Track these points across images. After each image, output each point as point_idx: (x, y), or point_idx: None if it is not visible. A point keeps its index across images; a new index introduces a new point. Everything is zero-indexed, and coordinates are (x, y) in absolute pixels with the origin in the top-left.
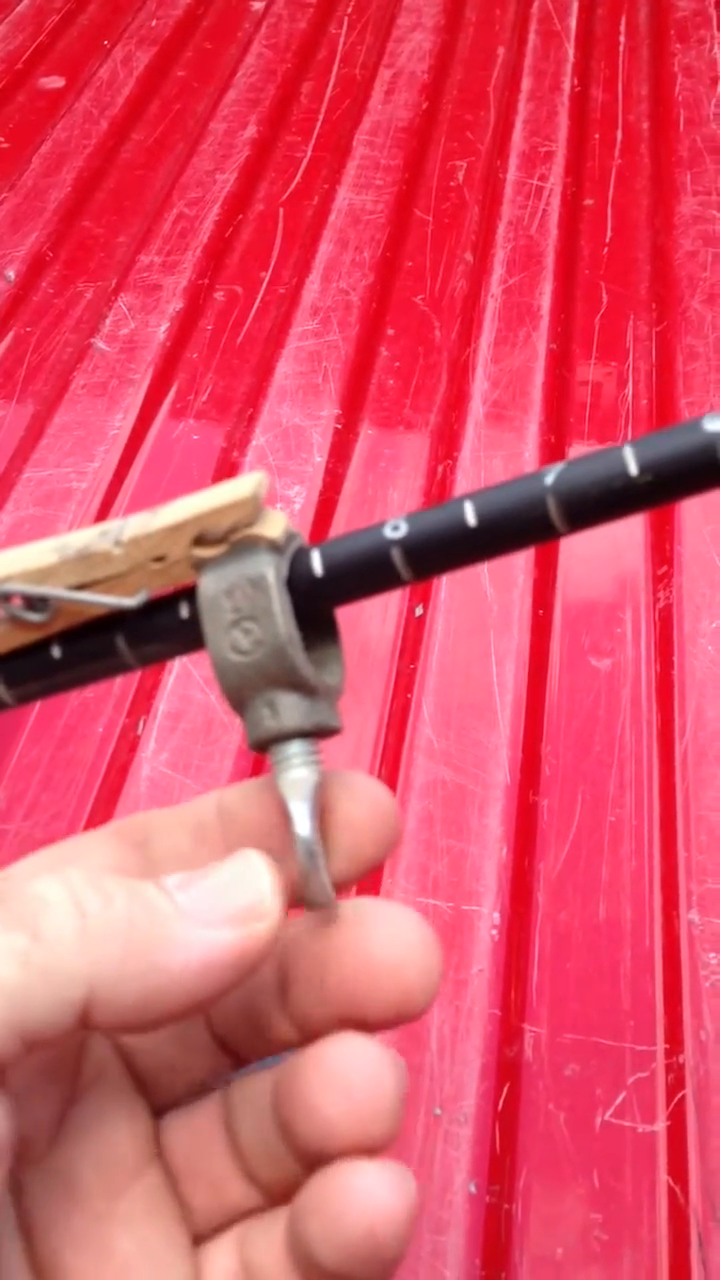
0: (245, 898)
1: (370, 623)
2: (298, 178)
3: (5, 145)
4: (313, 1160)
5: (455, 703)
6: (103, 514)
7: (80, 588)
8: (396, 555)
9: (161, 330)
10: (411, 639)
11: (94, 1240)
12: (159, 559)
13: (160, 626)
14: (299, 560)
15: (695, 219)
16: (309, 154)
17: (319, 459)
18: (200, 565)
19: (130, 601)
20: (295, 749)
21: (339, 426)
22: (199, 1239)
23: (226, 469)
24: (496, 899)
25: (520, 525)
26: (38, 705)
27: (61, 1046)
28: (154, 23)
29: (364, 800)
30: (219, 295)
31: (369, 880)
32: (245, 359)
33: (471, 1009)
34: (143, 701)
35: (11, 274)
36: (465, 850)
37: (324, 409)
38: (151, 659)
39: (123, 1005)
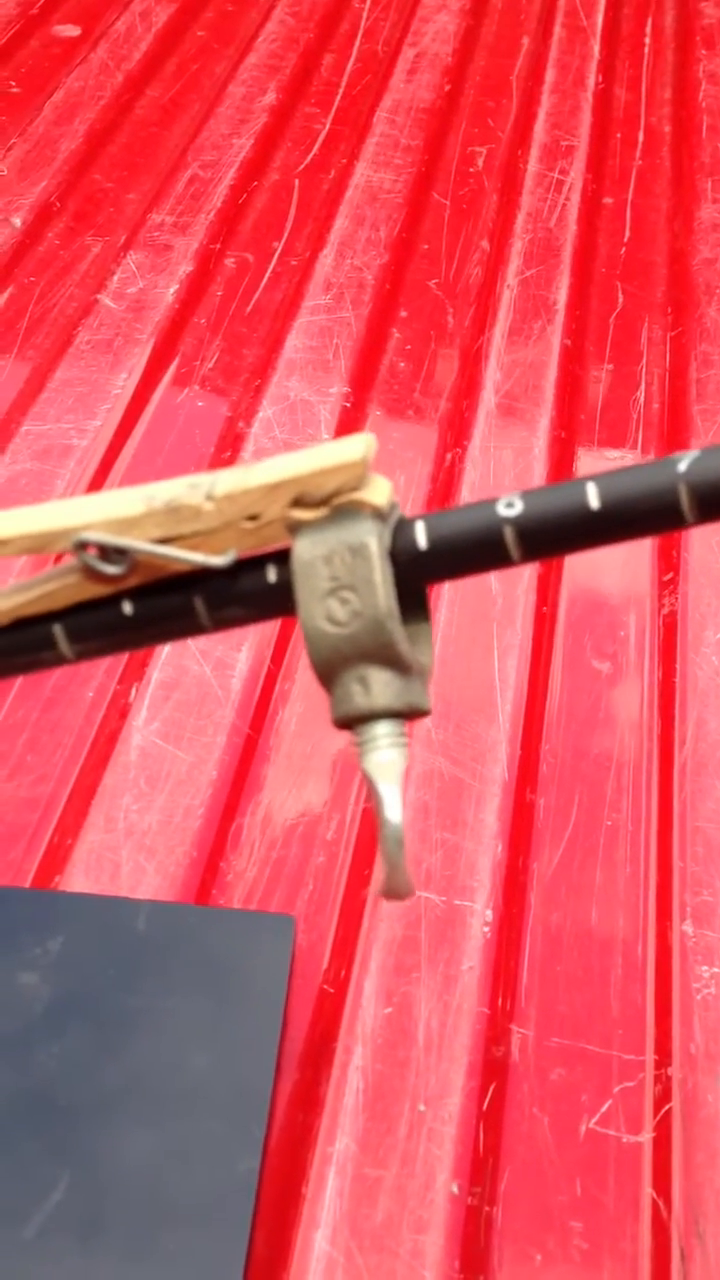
0: None
1: None
2: (315, 149)
3: (16, 90)
4: None
5: (455, 694)
6: (102, 472)
7: (164, 542)
8: (509, 534)
9: (170, 292)
10: None
11: None
12: (252, 518)
13: (244, 590)
14: (401, 531)
15: (715, 226)
16: (328, 126)
17: (326, 436)
18: (296, 528)
19: (218, 560)
20: (384, 729)
21: (347, 405)
22: None
23: (231, 439)
24: (490, 896)
25: (646, 513)
26: None
27: None
28: None
29: None
30: (230, 262)
31: (360, 864)
32: (254, 328)
33: (460, 1006)
34: (135, 669)
35: (18, 221)
36: (460, 844)
37: (333, 386)
38: (228, 623)
39: None
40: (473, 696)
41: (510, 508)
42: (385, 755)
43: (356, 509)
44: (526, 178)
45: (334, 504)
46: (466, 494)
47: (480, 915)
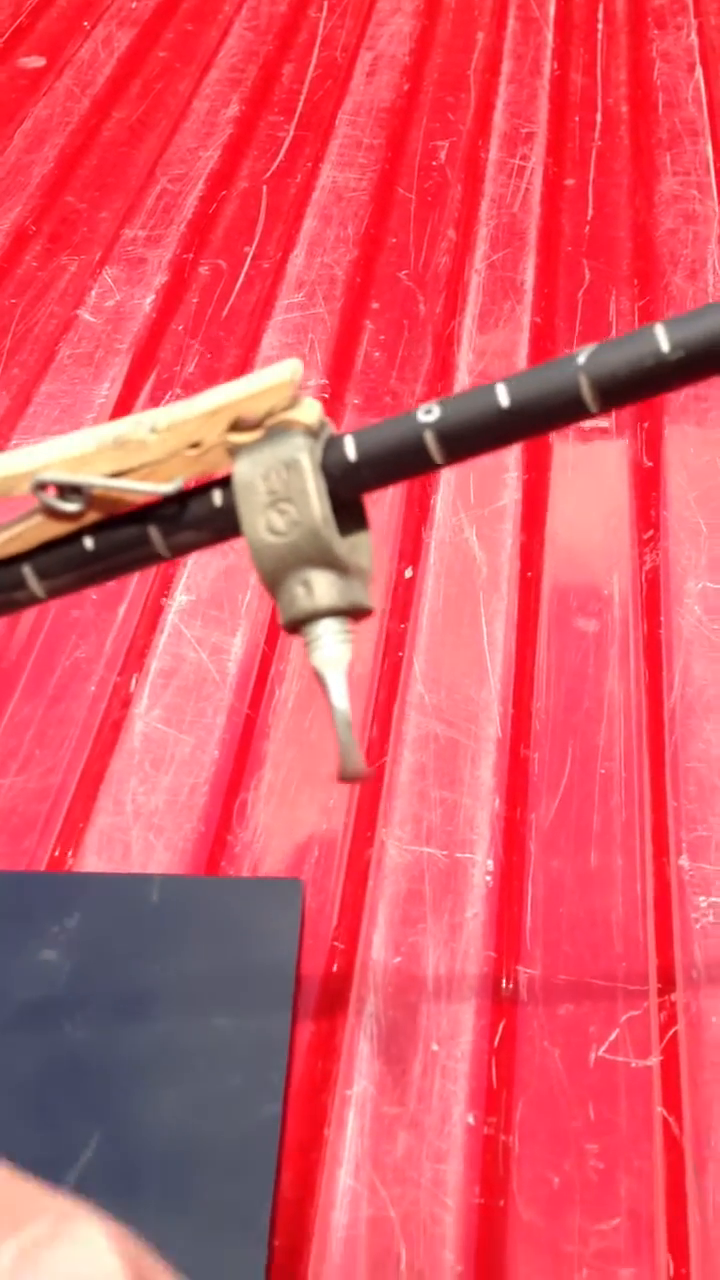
0: None
1: None
2: (281, 156)
3: None
4: None
5: (446, 660)
6: None
7: (116, 476)
8: (430, 438)
9: (147, 302)
10: (401, 600)
11: None
12: (194, 445)
13: (194, 515)
14: (333, 446)
15: (675, 198)
16: (291, 133)
17: None
18: (235, 451)
19: (166, 487)
20: (330, 626)
21: (326, 396)
22: None
23: None
24: (490, 847)
25: (553, 405)
26: (30, 665)
27: None
28: (134, 4)
29: None
30: (204, 269)
31: (363, 827)
32: (231, 331)
33: (467, 951)
34: (135, 660)
35: None
36: (458, 801)
37: (310, 379)
38: (184, 548)
39: None
40: (463, 662)
41: (429, 414)
42: (331, 650)
43: (289, 428)
44: (488, 166)
45: (268, 425)
46: (445, 472)
47: (482, 866)
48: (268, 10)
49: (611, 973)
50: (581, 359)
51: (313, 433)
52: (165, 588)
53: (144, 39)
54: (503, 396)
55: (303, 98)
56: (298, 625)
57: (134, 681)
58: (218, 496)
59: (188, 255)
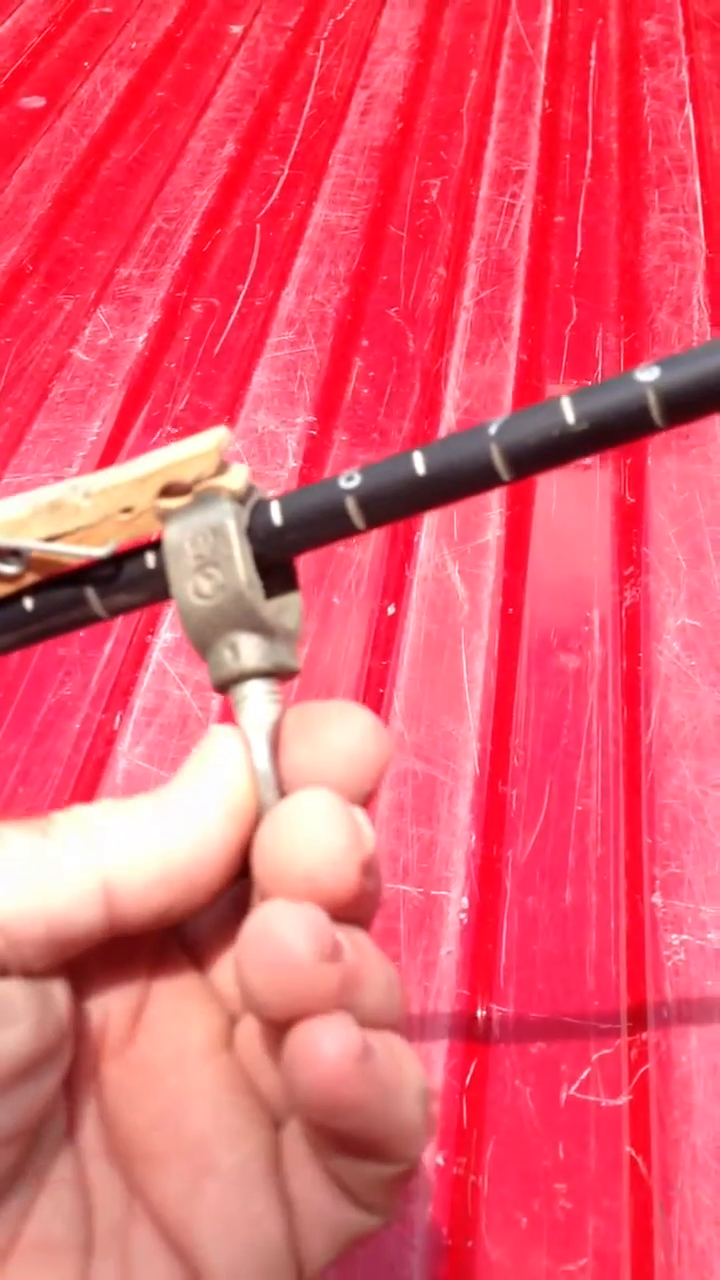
0: (214, 763)
1: (344, 619)
2: (275, 195)
3: None
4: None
5: (426, 697)
6: None
7: (52, 540)
8: (351, 505)
9: (140, 341)
10: (384, 637)
11: (170, 1117)
12: (126, 510)
13: (128, 577)
14: (259, 511)
15: (663, 235)
16: (286, 172)
17: (294, 464)
18: (165, 516)
19: (99, 551)
20: (257, 687)
21: (314, 433)
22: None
23: None
24: (465, 884)
25: (467, 473)
26: (16, 702)
27: (115, 942)
28: (133, 45)
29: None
30: (197, 308)
31: None
32: (222, 369)
33: (440, 989)
34: (119, 698)
35: None
36: (435, 838)
37: (299, 416)
38: (121, 609)
39: (141, 885)
40: (443, 698)
41: (350, 481)
42: (256, 712)
43: (215, 494)
44: (479, 204)
45: (196, 491)
46: None
47: (457, 903)
48: (265, 50)
49: (584, 1011)
50: (493, 429)
51: (239, 498)
52: (151, 625)
53: (143, 79)
54: (419, 465)
55: (298, 137)
56: (225, 686)
57: (118, 719)
58: (150, 559)
59: (181, 293)
